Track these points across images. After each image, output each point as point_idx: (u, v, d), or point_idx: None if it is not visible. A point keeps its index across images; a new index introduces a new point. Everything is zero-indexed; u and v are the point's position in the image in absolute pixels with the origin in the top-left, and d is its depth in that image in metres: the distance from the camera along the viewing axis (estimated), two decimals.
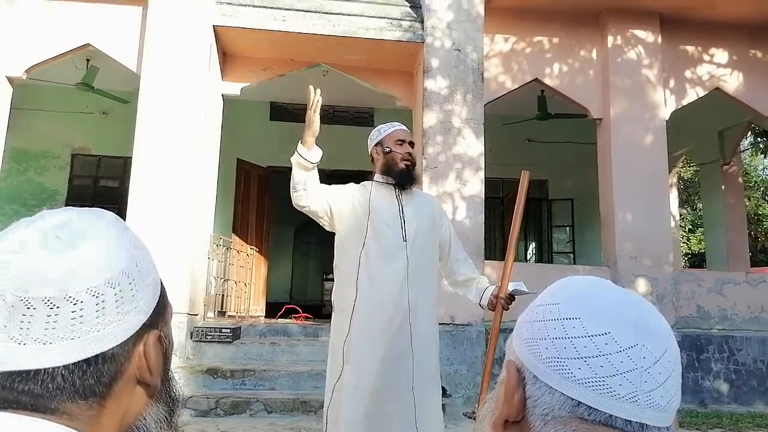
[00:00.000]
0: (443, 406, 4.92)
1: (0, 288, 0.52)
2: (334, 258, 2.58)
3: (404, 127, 2.67)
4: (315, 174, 2.47)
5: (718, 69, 6.96)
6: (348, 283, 2.44)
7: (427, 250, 2.53)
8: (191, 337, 5.59)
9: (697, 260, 17.75)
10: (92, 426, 0.55)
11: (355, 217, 2.50)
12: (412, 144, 2.62)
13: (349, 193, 2.56)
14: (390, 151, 2.57)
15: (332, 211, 2.51)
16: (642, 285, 6.10)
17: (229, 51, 6.54)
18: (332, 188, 2.56)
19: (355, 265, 2.43)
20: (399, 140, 2.60)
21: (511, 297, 2.45)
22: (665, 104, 6.67)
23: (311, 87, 2.43)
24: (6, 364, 0.52)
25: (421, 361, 2.39)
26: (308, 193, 2.45)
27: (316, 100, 2.42)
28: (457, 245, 2.66)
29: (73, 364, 0.53)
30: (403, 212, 2.52)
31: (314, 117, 2.42)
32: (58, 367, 0.53)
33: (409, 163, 2.55)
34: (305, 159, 2.41)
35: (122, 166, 8.65)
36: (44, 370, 0.52)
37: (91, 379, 0.54)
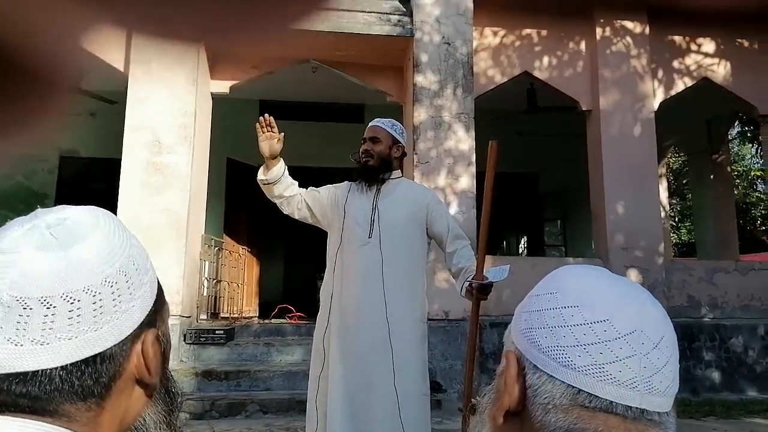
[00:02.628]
0: (439, 401, 4.97)
1: None
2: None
3: (372, 124, 2.68)
4: (282, 187, 2.60)
5: (706, 59, 7.00)
6: (328, 279, 2.56)
7: (404, 246, 2.52)
8: (185, 340, 5.56)
9: (687, 250, 17.89)
10: (91, 427, 0.54)
11: (337, 216, 2.60)
12: (374, 139, 2.60)
13: (331, 193, 2.67)
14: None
15: (315, 214, 2.66)
16: (633, 276, 6.14)
17: (216, 49, 6.50)
18: (313, 193, 2.68)
19: (332, 262, 2.54)
20: (362, 139, 2.66)
21: (487, 285, 2.27)
22: (654, 95, 6.71)
23: (261, 117, 2.56)
24: (2, 367, 0.51)
25: (401, 357, 2.39)
26: (283, 204, 2.64)
27: (258, 128, 2.54)
28: (455, 237, 2.58)
29: (71, 364, 0.53)
30: (377, 209, 2.53)
31: (261, 143, 2.54)
32: (56, 368, 0.52)
33: (366, 159, 2.59)
34: (261, 179, 2.59)
35: (111, 168, 8.57)
36: (42, 371, 0.52)
37: (90, 380, 0.54)
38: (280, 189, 2.58)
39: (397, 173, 2.66)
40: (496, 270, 2.32)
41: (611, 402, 0.54)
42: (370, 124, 2.69)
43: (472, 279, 2.31)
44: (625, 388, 0.54)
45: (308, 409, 2.49)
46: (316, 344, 2.52)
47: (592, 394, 0.54)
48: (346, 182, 2.69)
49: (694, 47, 7.02)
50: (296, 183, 2.65)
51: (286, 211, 2.67)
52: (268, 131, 2.50)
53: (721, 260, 7.40)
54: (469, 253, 2.56)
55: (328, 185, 2.72)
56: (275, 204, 2.69)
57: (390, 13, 6.25)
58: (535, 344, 0.58)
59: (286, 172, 2.59)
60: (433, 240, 2.65)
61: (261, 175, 2.57)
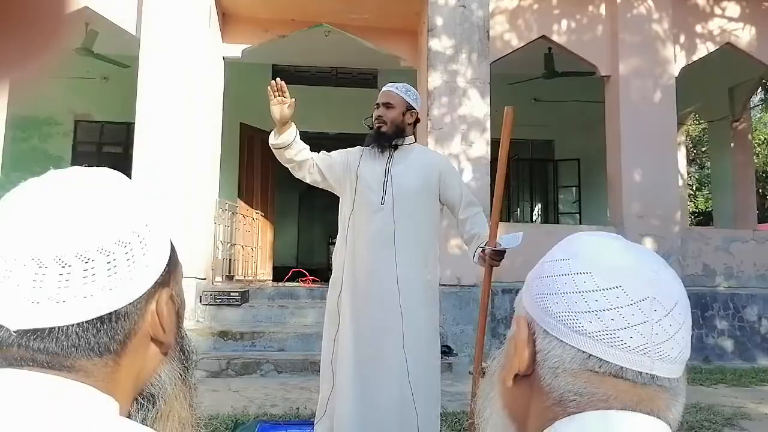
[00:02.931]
0: (450, 365, 5.05)
1: (11, 248, 0.52)
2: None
3: (385, 89, 2.65)
4: (293, 152, 2.58)
5: (730, 23, 6.79)
6: (341, 244, 2.57)
7: (416, 212, 2.51)
8: (200, 301, 5.66)
9: (704, 219, 17.69)
10: (108, 383, 0.55)
11: (348, 181, 2.59)
12: (387, 104, 2.58)
13: (343, 158, 2.65)
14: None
15: (326, 178, 2.65)
16: (648, 244, 6.10)
17: (228, 12, 6.42)
18: (324, 157, 2.67)
19: (345, 228, 2.55)
20: (375, 104, 2.63)
21: (499, 252, 2.29)
22: (675, 60, 6.55)
23: (272, 81, 2.49)
24: (21, 323, 0.52)
25: (412, 322, 2.42)
26: (295, 168, 2.64)
27: (269, 91, 2.49)
28: (467, 204, 2.58)
29: (87, 322, 0.54)
30: (390, 175, 2.52)
31: (272, 107, 2.49)
32: (72, 325, 0.53)
33: (379, 125, 2.57)
34: (272, 143, 2.57)
35: (125, 132, 8.62)
36: (58, 328, 0.53)
37: (106, 337, 0.55)
38: (292, 153, 2.56)
39: (410, 139, 2.64)
40: (509, 237, 2.32)
41: (621, 367, 0.54)
42: (383, 89, 2.65)
43: (485, 245, 2.31)
44: (636, 354, 0.54)
45: (322, 370, 2.54)
46: (330, 307, 2.56)
47: (602, 359, 0.55)
48: (358, 147, 2.67)
49: (717, 11, 6.80)
50: (307, 147, 2.63)
51: (297, 175, 2.67)
52: (279, 96, 2.47)
53: (738, 229, 7.32)
54: (482, 220, 2.55)
55: (340, 150, 2.71)
56: (288, 168, 2.69)
57: None
58: (546, 310, 0.58)
59: (298, 136, 2.57)
60: (445, 206, 2.64)
61: (272, 140, 2.56)
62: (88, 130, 9.24)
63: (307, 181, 2.69)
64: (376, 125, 2.57)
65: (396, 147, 2.58)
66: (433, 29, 5.99)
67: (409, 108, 2.60)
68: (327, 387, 2.50)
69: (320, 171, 2.63)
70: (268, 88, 2.47)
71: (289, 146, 2.54)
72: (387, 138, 2.56)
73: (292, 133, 2.54)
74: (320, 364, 2.59)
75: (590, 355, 0.55)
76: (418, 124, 2.72)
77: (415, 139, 2.72)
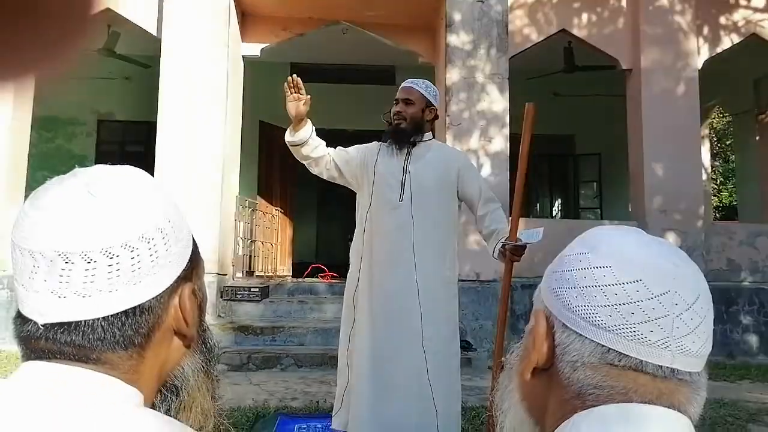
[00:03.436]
0: (469, 360, 5.04)
1: (38, 244, 0.54)
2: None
3: (405, 84, 2.63)
4: (310, 148, 2.56)
5: (755, 14, 6.64)
6: (358, 240, 2.58)
7: (435, 209, 2.50)
8: (221, 297, 5.73)
9: (727, 213, 17.37)
10: (133, 375, 0.57)
11: (366, 177, 2.59)
12: (407, 101, 2.57)
13: (360, 153, 2.65)
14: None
15: (343, 174, 2.65)
16: (671, 239, 6.01)
17: (247, 11, 6.46)
18: (341, 153, 2.66)
19: (362, 223, 2.55)
20: (394, 100, 2.62)
21: (520, 247, 2.28)
22: (698, 52, 6.42)
23: (289, 78, 2.48)
24: (48, 317, 0.54)
25: (431, 318, 2.42)
26: (311, 164, 2.63)
27: (285, 88, 2.48)
28: (486, 200, 2.56)
29: (112, 315, 0.55)
30: (408, 171, 2.51)
31: (288, 104, 2.48)
32: (98, 319, 0.55)
33: (398, 121, 2.56)
34: (288, 140, 2.57)
35: (147, 131, 8.73)
36: (84, 321, 0.54)
37: (130, 330, 0.56)
38: (308, 150, 2.56)
39: (428, 136, 2.63)
40: (530, 232, 2.30)
41: (641, 361, 0.54)
42: (403, 85, 2.64)
43: (506, 240, 2.30)
44: (657, 348, 0.54)
45: (339, 364, 2.56)
46: (347, 302, 2.58)
47: (621, 353, 0.54)
48: (375, 142, 2.67)
49: (742, 2, 6.65)
50: (324, 143, 2.62)
51: (314, 171, 2.66)
52: (294, 93, 2.47)
53: (764, 224, 7.17)
54: (501, 216, 2.54)
55: (358, 146, 2.71)
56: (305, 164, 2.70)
57: None
58: (565, 303, 0.58)
59: (314, 133, 2.57)
60: (463, 203, 2.63)
61: (288, 137, 2.55)
62: (111, 129, 9.38)
63: (324, 177, 2.69)
64: (396, 121, 2.57)
65: (414, 143, 2.57)
66: (451, 25, 5.95)
67: (429, 104, 2.59)
68: (343, 380, 2.52)
69: (337, 167, 2.63)
70: (284, 84, 2.48)
71: (305, 143, 2.54)
72: (406, 134, 2.56)
73: (308, 129, 2.54)
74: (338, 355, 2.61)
75: (610, 349, 0.55)
76: (436, 121, 2.72)
77: (433, 135, 2.72)
